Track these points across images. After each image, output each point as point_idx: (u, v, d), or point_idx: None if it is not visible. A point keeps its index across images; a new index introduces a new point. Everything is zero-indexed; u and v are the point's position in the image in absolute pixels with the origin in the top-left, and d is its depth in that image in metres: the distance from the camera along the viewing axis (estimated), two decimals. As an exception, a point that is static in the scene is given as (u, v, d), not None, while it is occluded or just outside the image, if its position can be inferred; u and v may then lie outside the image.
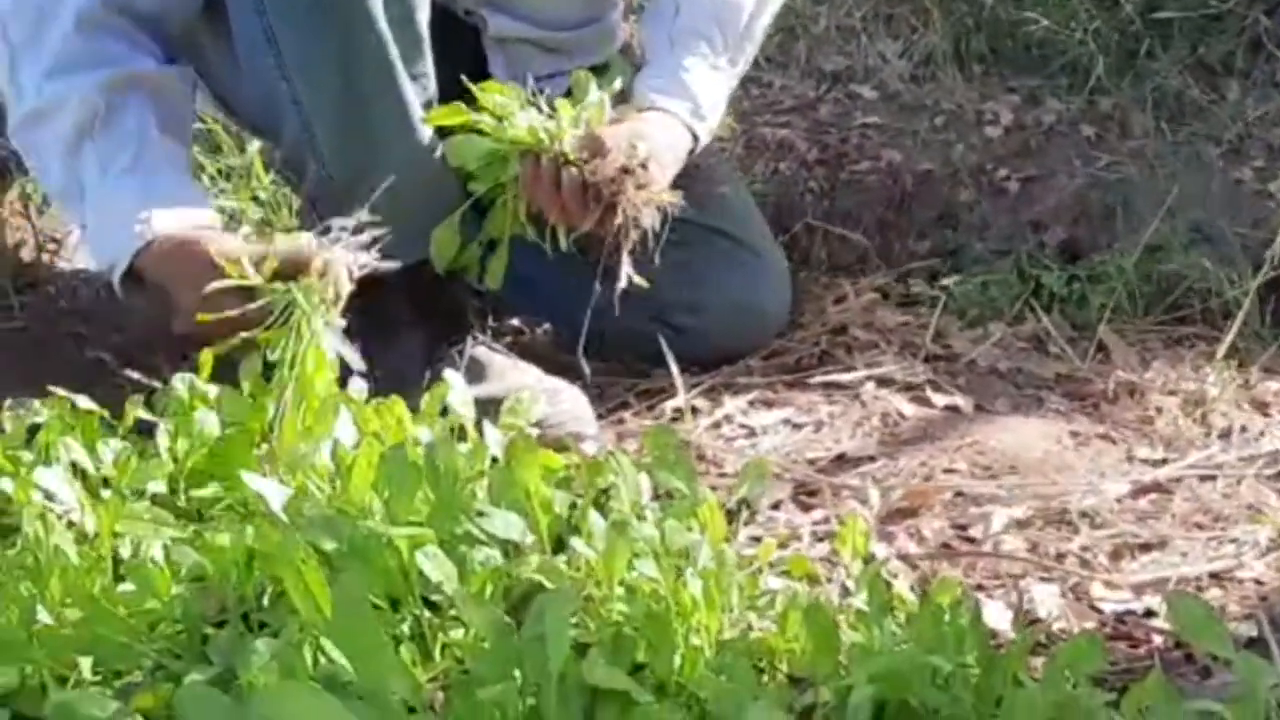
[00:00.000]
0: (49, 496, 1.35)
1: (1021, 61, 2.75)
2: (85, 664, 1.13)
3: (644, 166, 1.67)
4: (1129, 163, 2.40)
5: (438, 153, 1.73)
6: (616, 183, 1.65)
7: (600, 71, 1.86)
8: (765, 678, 1.17)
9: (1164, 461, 1.69)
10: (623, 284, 1.69)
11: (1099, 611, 1.40)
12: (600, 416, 1.80)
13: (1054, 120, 2.56)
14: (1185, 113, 2.52)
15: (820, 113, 2.72)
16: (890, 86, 2.74)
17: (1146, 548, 1.52)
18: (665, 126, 1.79)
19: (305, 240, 1.55)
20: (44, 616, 1.16)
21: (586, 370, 1.80)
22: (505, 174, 1.71)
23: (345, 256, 1.52)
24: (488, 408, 1.64)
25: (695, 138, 1.84)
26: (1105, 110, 2.56)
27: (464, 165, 1.73)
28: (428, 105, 1.73)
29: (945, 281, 2.17)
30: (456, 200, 1.75)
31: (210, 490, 1.44)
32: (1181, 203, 2.23)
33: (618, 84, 1.80)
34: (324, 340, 1.47)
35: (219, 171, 2.67)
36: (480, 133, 1.71)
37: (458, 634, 1.17)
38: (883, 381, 1.88)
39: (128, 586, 1.22)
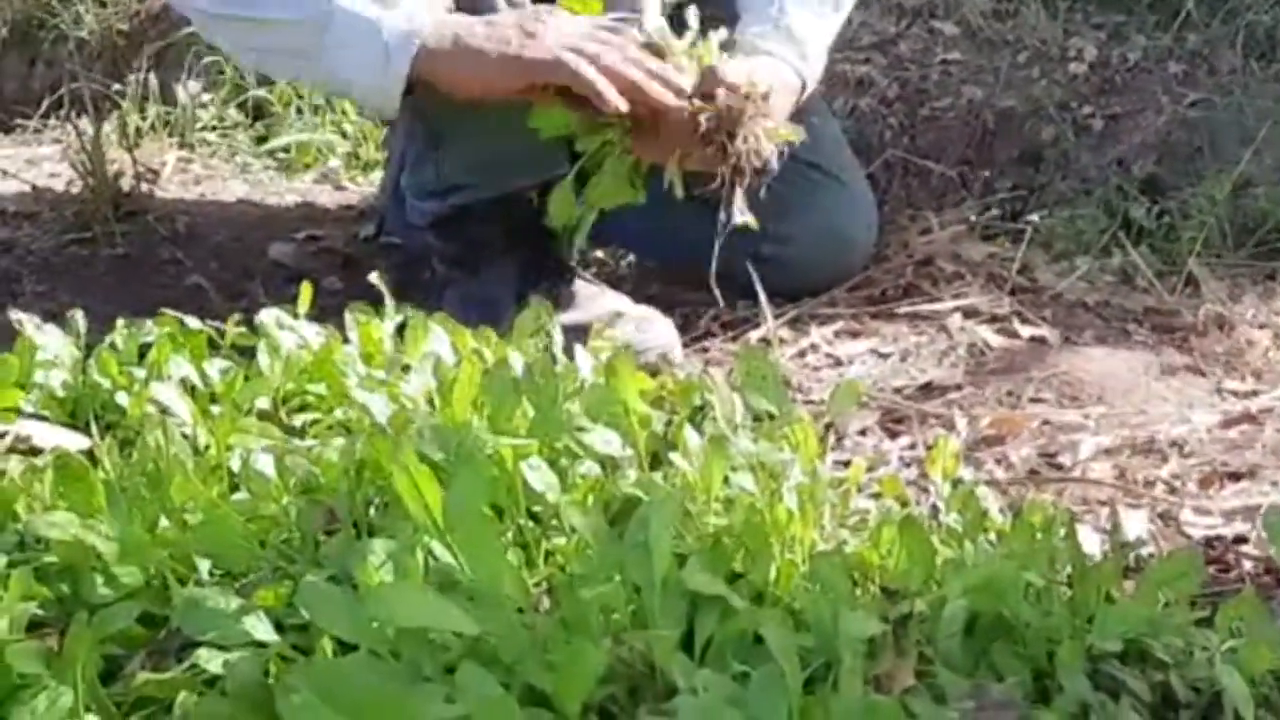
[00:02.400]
0: (163, 410, 1.39)
1: (1107, -3, 2.72)
2: (204, 566, 1.17)
3: (765, 98, 1.64)
4: (1216, 100, 2.37)
5: None
6: (737, 113, 1.62)
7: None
8: (859, 590, 1.19)
9: (1254, 393, 1.69)
10: (738, 219, 1.66)
11: (1188, 537, 1.41)
12: (686, 345, 1.83)
13: (1140, 56, 2.53)
14: (1276, 49, 2.48)
15: (900, 49, 2.70)
16: (972, 22, 2.72)
17: (1236, 476, 1.52)
18: (774, 70, 1.79)
19: None
20: (164, 521, 1.21)
21: (762, 293, 1.79)
22: (615, 130, 1.67)
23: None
24: (575, 334, 1.67)
25: (803, 82, 1.84)
26: (1193, 46, 2.53)
27: (554, 132, 1.69)
28: None
29: (1030, 217, 2.16)
30: (558, 143, 1.74)
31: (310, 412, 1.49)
32: (1270, 140, 2.20)
33: (722, 33, 1.79)
34: None
35: (308, 105, 2.72)
36: None
37: (560, 542, 1.20)
38: (969, 313, 1.89)
39: (242, 495, 1.27)
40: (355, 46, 1.64)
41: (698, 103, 1.63)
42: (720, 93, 1.63)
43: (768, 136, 1.64)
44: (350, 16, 1.63)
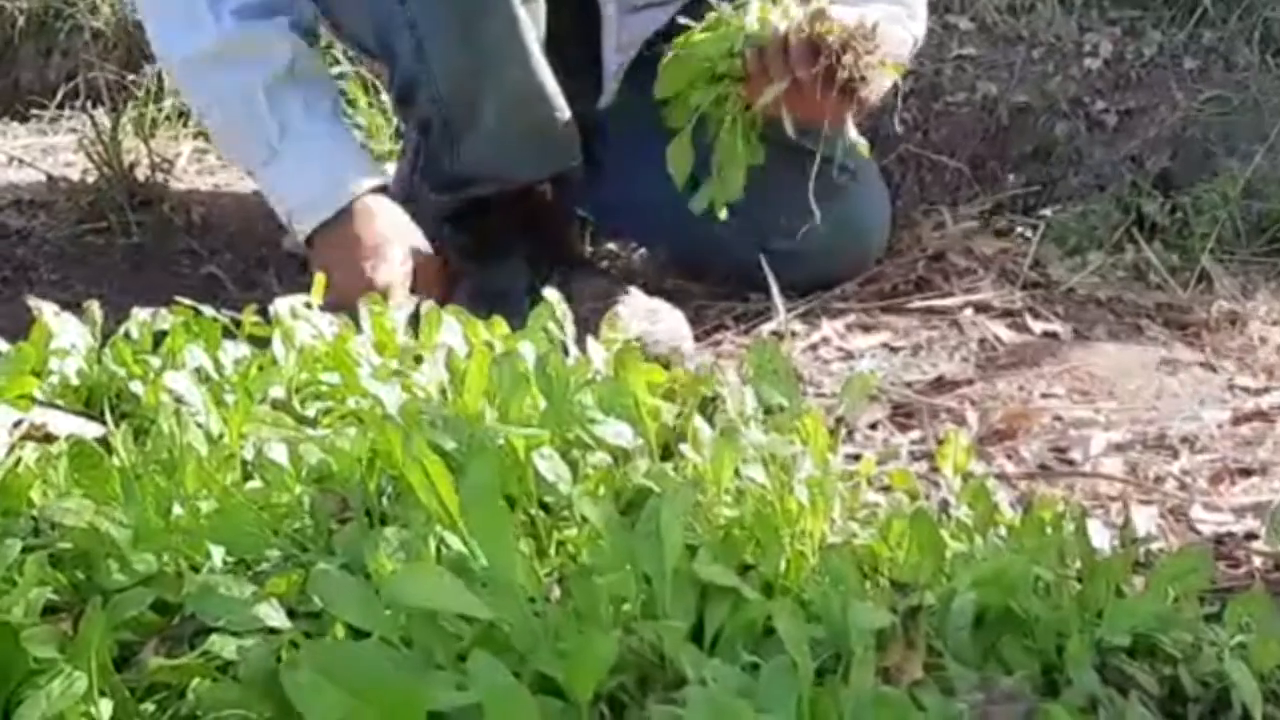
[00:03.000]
0: (177, 399, 1.40)
1: (1123, -7, 2.71)
2: (217, 553, 1.18)
3: (873, 30, 1.66)
4: (1231, 96, 2.36)
5: (549, 77, 1.75)
6: (847, 38, 1.64)
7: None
8: (869, 582, 1.19)
9: (1266, 390, 1.69)
10: (859, 140, 1.72)
11: (1198, 533, 1.41)
12: (698, 338, 1.83)
13: (1155, 52, 2.53)
14: (1292, 46, 2.48)
15: (915, 43, 2.70)
16: (987, 17, 2.72)
17: (1246, 473, 1.52)
18: (888, 22, 1.80)
19: None
20: (178, 509, 1.21)
21: (775, 286, 1.80)
22: (729, 84, 1.70)
23: None
24: (587, 327, 1.67)
25: (914, 37, 1.85)
26: (1209, 42, 2.52)
27: (679, 88, 1.73)
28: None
29: (1043, 212, 2.16)
30: (565, 124, 1.77)
31: (323, 402, 1.49)
32: (1285, 137, 2.20)
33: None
34: None
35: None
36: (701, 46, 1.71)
37: (570, 533, 1.21)
38: (980, 308, 1.89)
39: (255, 483, 1.27)
40: (294, 184, 1.76)
41: (804, 37, 1.65)
42: (828, 25, 1.65)
43: (879, 64, 1.66)
44: (290, 164, 1.73)
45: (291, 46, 1.74)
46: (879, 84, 1.67)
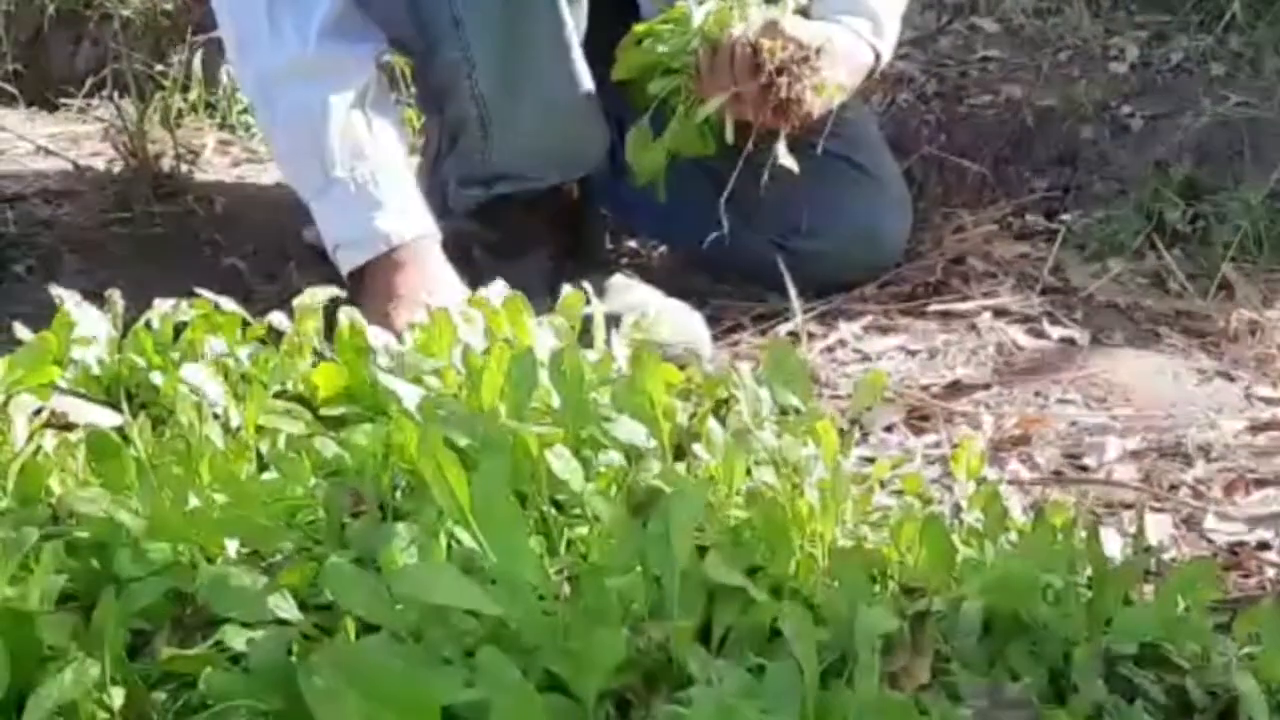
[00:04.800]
0: (195, 391, 1.41)
1: (1151, -3, 2.70)
2: (232, 545, 1.19)
3: (818, 53, 1.70)
4: (1258, 103, 2.35)
5: (588, 81, 1.76)
6: (788, 59, 1.68)
7: None
8: (877, 586, 1.20)
9: (1284, 400, 1.68)
10: (784, 160, 1.72)
11: (1211, 542, 1.41)
12: (715, 338, 1.84)
13: (1182, 57, 2.52)
14: (1323, 54, 2.46)
15: (940, 45, 2.70)
16: (1013, 20, 2.71)
17: (1262, 483, 1.51)
18: (846, 38, 1.81)
19: None
20: (194, 500, 1.23)
21: (792, 287, 1.80)
22: (682, 76, 1.75)
23: None
24: (606, 324, 1.68)
25: (877, 55, 1.85)
26: (1236, 48, 2.51)
27: (633, 74, 1.77)
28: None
29: (1064, 217, 2.16)
30: (599, 129, 1.78)
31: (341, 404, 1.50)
32: (1312, 145, 2.19)
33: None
34: None
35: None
36: (661, 37, 1.75)
37: (581, 531, 1.21)
38: (999, 312, 1.89)
39: (271, 475, 1.28)
40: (330, 226, 1.75)
41: (760, 43, 1.69)
42: (775, 43, 1.69)
43: (815, 90, 1.70)
44: (339, 202, 1.72)
45: (369, 74, 1.73)
46: (814, 105, 1.71)
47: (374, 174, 1.70)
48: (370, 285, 1.70)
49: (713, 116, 1.76)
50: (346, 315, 1.53)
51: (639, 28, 1.76)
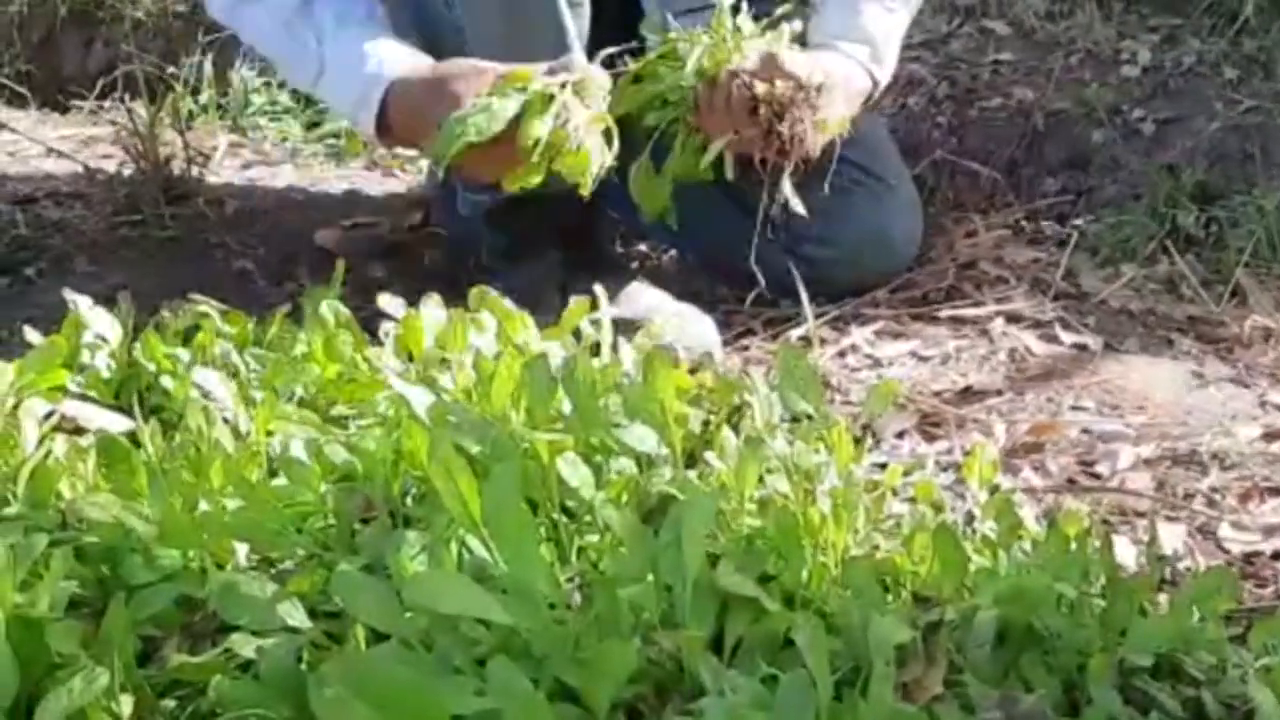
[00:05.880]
0: (205, 395, 1.41)
1: (1163, 0, 2.68)
2: (242, 550, 1.19)
3: (818, 90, 1.68)
4: (1271, 107, 2.34)
5: None
6: (787, 100, 1.66)
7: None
8: (890, 595, 1.19)
9: (1298, 407, 1.67)
10: (788, 203, 1.72)
11: (1226, 551, 1.40)
12: (726, 343, 1.83)
13: (1194, 61, 2.51)
14: (1335, 57, 2.45)
15: (952, 47, 2.69)
16: (1025, 23, 2.70)
17: (1276, 492, 1.50)
18: (843, 66, 1.80)
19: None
20: (204, 505, 1.22)
21: (804, 292, 1.79)
22: (680, 109, 1.73)
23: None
24: (617, 330, 1.67)
25: (875, 81, 1.84)
26: (1249, 52, 2.49)
27: (632, 110, 1.74)
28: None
29: (1076, 221, 2.15)
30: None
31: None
32: (1325, 149, 2.18)
33: (795, 25, 1.79)
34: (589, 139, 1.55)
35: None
36: (658, 72, 1.74)
37: (592, 539, 1.21)
38: (1011, 317, 1.88)
39: (281, 481, 1.28)
40: (339, 94, 1.75)
41: (755, 84, 1.67)
42: (774, 81, 1.66)
43: (815, 127, 1.68)
44: (337, 67, 1.72)
45: None
46: (816, 143, 1.70)
47: (351, 41, 1.72)
48: (402, 109, 1.68)
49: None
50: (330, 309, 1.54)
51: (635, 66, 1.75)
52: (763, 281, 1.82)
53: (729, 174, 1.73)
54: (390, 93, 1.68)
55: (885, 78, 1.86)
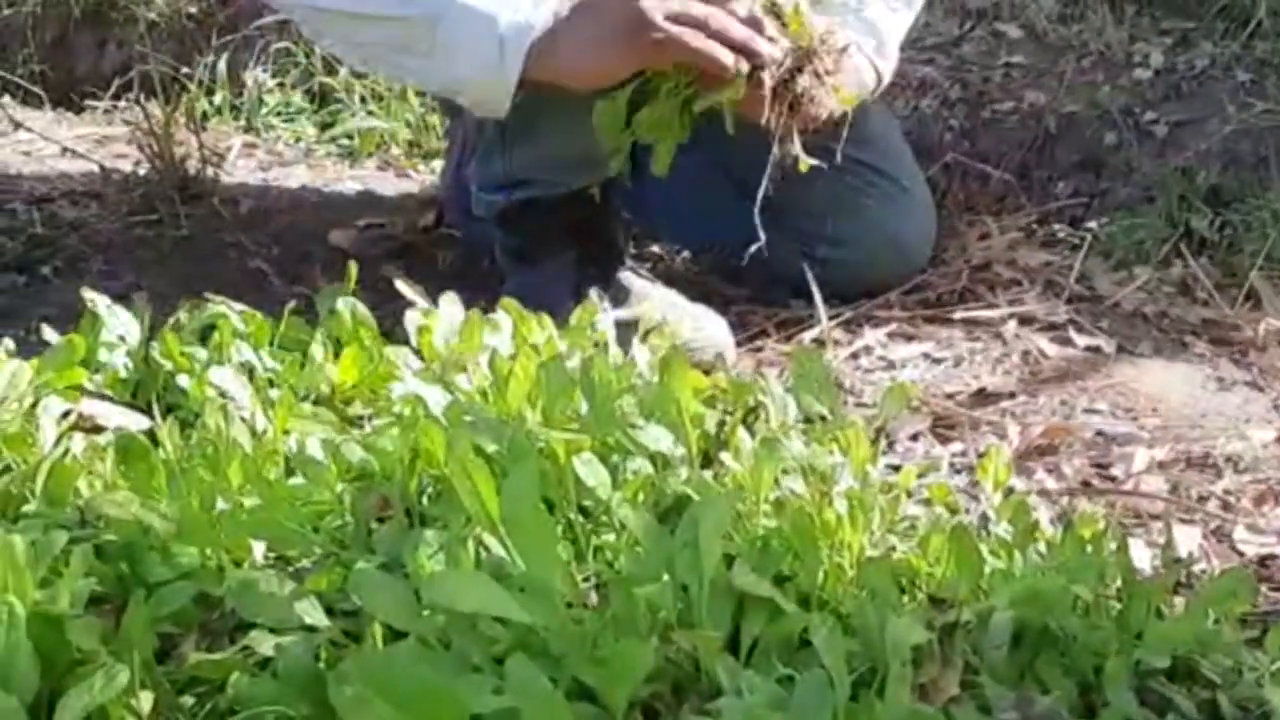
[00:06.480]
0: (222, 394, 1.41)
1: (1175, 3, 2.68)
2: (259, 549, 1.19)
3: (842, 51, 1.61)
4: (1284, 110, 2.34)
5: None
6: (809, 50, 1.59)
7: None
8: (906, 596, 1.19)
9: (1313, 410, 1.67)
10: (803, 161, 1.62)
11: (1240, 554, 1.40)
12: (739, 344, 1.83)
13: (1207, 64, 2.51)
14: (1349, 59, 2.45)
15: (963, 50, 2.69)
16: (1037, 26, 2.70)
17: (1291, 495, 1.51)
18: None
19: None
20: (222, 503, 1.23)
21: (817, 294, 1.77)
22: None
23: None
24: (630, 330, 1.68)
25: (878, 76, 1.83)
26: (1262, 55, 2.49)
27: (616, 129, 1.65)
28: None
29: (1090, 224, 2.15)
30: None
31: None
32: (1340, 152, 2.17)
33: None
34: None
35: (371, 93, 2.74)
36: None
37: (609, 538, 1.21)
38: (1025, 320, 1.88)
39: (298, 480, 1.28)
40: (468, 44, 1.60)
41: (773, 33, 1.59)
42: (792, 29, 1.59)
43: (832, 88, 1.61)
44: (465, 11, 1.59)
45: None
46: (827, 107, 1.61)
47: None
48: (561, 59, 1.59)
49: (694, 101, 1.63)
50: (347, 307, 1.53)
51: None
52: (764, 242, 1.68)
53: (729, 127, 1.61)
54: (542, 37, 1.58)
55: (887, 75, 1.85)
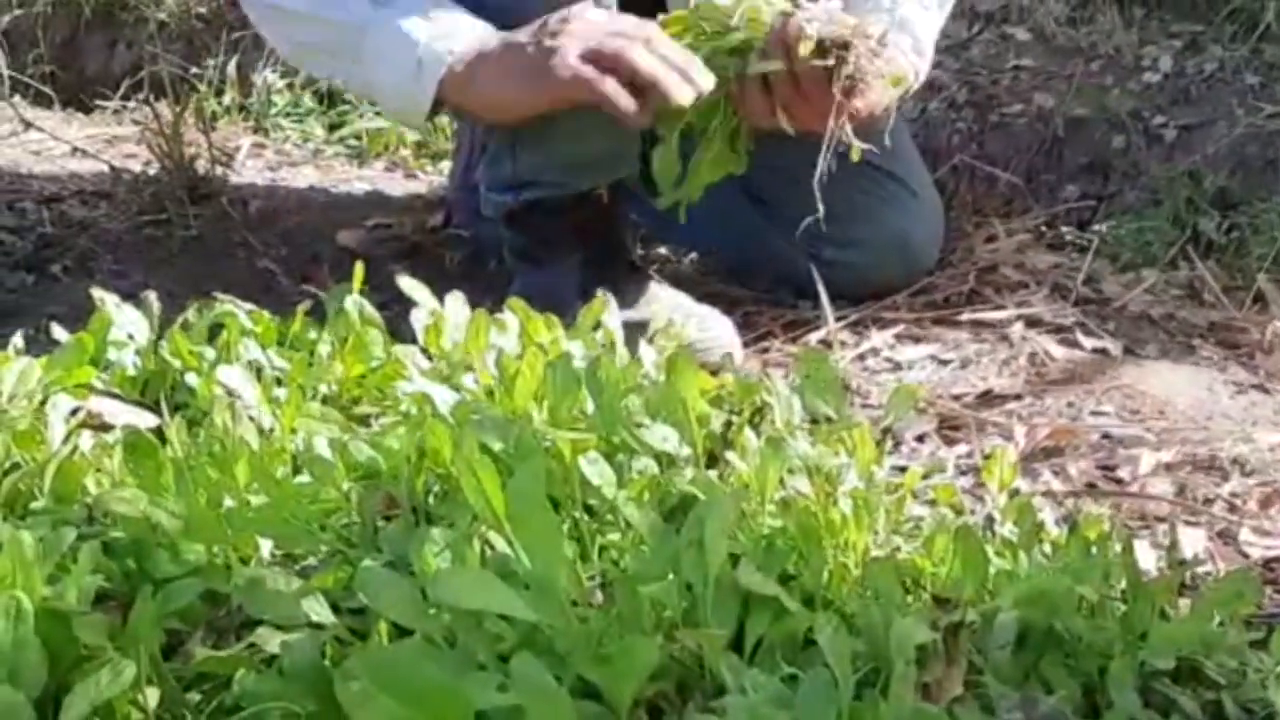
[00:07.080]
0: (230, 392, 1.42)
1: (1184, 7, 2.68)
2: (266, 546, 1.20)
3: (881, 39, 1.59)
4: (1292, 113, 2.33)
5: None
6: (848, 38, 1.57)
7: None
8: (911, 597, 1.19)
9: (1320, 414, 1.67)
10: (856, 147, 1.61)
11: (1246, 556, 1.40)
12: (746, 345, 1.84)
13: (1215, 67, 2.50)
14: (1357, 63, 2.44)
15: (972, 53, 2.69)
16: (1046, 28, 2.70)
17: (1298, 497, 1.50)
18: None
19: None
20: (229, 501, 1.23)
21: (824, 295, 1.76)
22: (722, 86, 1.62)
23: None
24: (636, 331, 1.68)
25: (916, 74, 1.83)
26: (1271, 58, 2.49)
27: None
28: None
29: (1097, 227, 2.15)
30: (630, 140, 1.75)
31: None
32: (1349, 157, 2.17)
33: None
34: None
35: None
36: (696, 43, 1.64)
37: (614, 537, 1.21)
38: (1031, 322, 1.88)
39: (305, 478, 1.29)
40: (390, 58, 1.67)
41: (817, 25, 1.58)
42: (836, 25, 1.58)
43: (878, 74, 1.59)
44: (390, 27, 1.66)
45: None
46: (878, 94, 1.60)
47: (390, 21, 1.66)
48: (470, 90, 1.64)
49: (744, 130, 1.67)
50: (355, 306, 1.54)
51: (664, 17, 1.67)
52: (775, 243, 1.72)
53: (787, 127, 1.61)
54: (458, 64, 1.63)
55: (923, 75, 1.85)
